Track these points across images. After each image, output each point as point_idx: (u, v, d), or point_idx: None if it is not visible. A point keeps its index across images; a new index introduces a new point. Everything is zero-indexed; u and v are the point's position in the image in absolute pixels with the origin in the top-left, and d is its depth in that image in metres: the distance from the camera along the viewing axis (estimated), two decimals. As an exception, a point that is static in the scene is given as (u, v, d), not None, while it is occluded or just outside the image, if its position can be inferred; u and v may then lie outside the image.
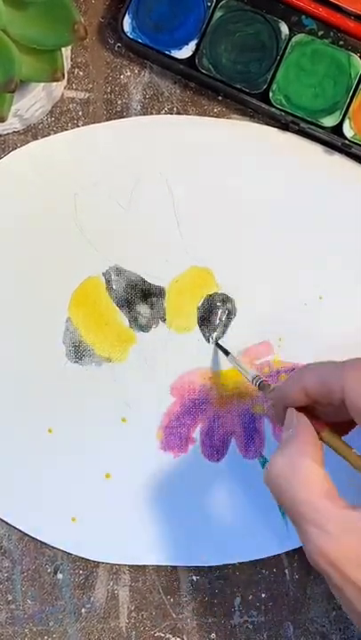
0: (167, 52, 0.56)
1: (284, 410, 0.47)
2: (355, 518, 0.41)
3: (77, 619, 0.57)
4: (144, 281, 0.57)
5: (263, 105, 0.56)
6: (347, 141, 0.56)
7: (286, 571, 0.57)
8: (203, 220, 0.57)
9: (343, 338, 0.57)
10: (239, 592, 0.57)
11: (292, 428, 0.45)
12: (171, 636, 0.57)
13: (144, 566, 0.57)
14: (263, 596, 0.57)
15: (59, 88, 0.57)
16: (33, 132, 0.58)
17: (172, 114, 0.58)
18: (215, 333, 0.57)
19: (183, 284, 0.57)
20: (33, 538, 0.57)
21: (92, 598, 0.57)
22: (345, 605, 0.42)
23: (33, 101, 0.54)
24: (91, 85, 0.58)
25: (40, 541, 0.57)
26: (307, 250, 0.57)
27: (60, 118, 0.58)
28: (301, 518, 0.41)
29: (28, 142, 0.58)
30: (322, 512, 0.41)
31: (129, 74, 0.58)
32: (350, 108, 0.55)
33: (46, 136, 0.58)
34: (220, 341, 0.57)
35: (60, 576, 0.57)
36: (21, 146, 0.58)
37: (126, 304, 0.57)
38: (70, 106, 0.58)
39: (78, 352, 0.57)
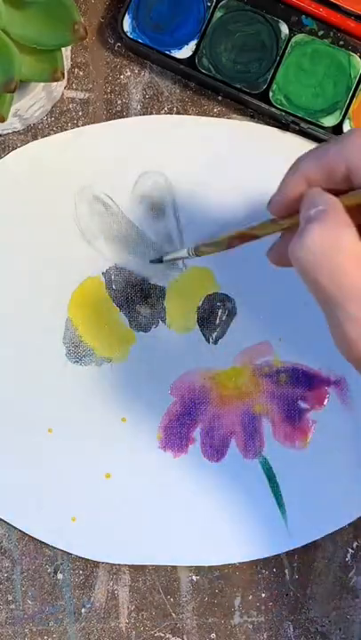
0: (167, 52, 0.56)
1: (293, 205, 0.40)
2: None
3: (77, 619, 0.57)
4: (144, 281, 0.57)
5: (263, 105, 0.56)
6: (347, 141, 0.56)
7: (286, 571, 0.57)
8: (203, 220, 0.57)
9: (343, 338, 0.57)
10: (239, 592, 0.57)
11: (320, 204, 0.37)
12: (171, 635, 0.57)
13: (144, 566, 0.57)
14: (263, 595, 0.57)
15: (59, 88, 0.57)
16: (33, 132, 0.58)
17: (172, 114, 0.58)
18: (215, 333, 0.57)
19: (183, 284, 0.57)
20: (33, 538, 0.57)
21: (91, 598, 0.57)
22: None
23: (33, 101, 0.54)
24: (91, 85, 0.58)
25: (40, 541, 0.57)
26: (307, 250, 0.57)
27: (60, 118, 0.58)
28: (343, 296, 0.35)
29: (28, 142, 0.58)
30: None
31: (129, 74, 0.58)
32: (350, 108, 0.55)
33: (46, 136, 0.58)
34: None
35: (60, 576, 0.57)
36: (21, 146, 0.58)
37: (126, 304, 0.57)
38: (70, 106, 0.58)
39: (78, 352, 0.57)
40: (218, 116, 0.58)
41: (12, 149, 0.58)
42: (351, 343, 0.35)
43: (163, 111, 0.58)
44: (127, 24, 0.56)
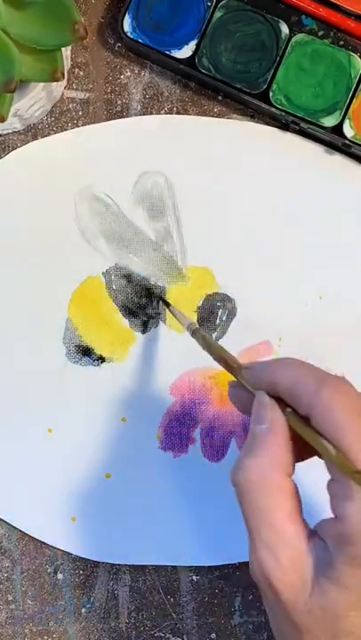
0: (167, 52, 0.56)
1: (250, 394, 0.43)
2: (305, 553, 0.39)
3: (77, 619, 0.57)
4: (144, 281, 0.57)
5: (263, 105, 0.56)
6: (347, 141, 0.56)
7: (286, 571, 0.57)
8: (203, 220, 0.57)
9: (343, 338, 0.57)
10: (239, 592, 0.57)
11: (264, 424, 0.41)
12: (171, 636, 0.57)
13: (144, 566, 0.57)
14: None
15: (59, 88, 0.57)
16: (33, 132, 0.58)
17: (172, 114, 0.58)
18: (215, 333, 0.57)
19: (183, 283, 0.57)
20: (33, 538, 0.57)
21: (92, 598, 0.57)
22: (272, 625, 0.41)
23: (33, 101, 0.54)
24: (91, 85, 0.58)
25: (40, 541, 0.57)
26: (307, 249, 0.57)
27: (60, 118, 0.58)
28: (258, 535, 0.39)
29: (28, 142, 0.58)
30: (280, 538, 0.39)
31: (129, 74, 0.58)
32: (350, 108, 0.55)
33: (46, 136, 0.58)
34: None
35: (60, 576, 0.57)
36: (21, 146, 0.58)
37: (126, 304, 0.57)
38: (70, 106, 0.58)
39: (78, 352, 0.57)
40: (218, 116, 0.58)
41: (12, 149, 0.58)
42: (254, 564, 0.40)
43: (163, 111, 0.58)
44: (127, 24, 0.56)
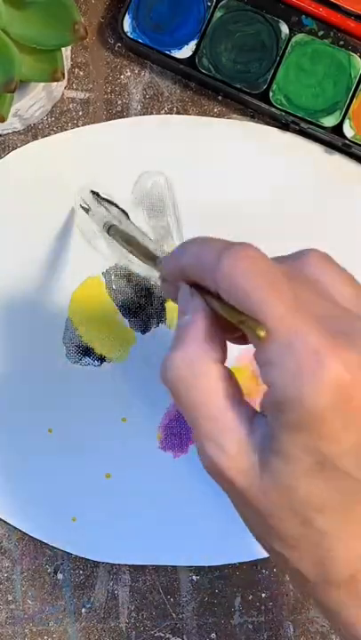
0: (167, 52, 0.56)
1: (175, 286, 0.40)
2: (248, 435, 0.36)
3: (77, 619, 0.57)
4: (144, 281, 0.57)
5: (263, 105, 0.56)
6: (347, 141, 0.56)
7: (286, 571, 0.57)
8: (203, 220, 0.57)
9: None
10: (239, 592, 0.57)
11: (188, 313, 0.38)
12: (171, 635, 0.57)
13: (144, 566, 0.57)
14: (263, 595, 0.57)
15: (59, 88, 0.57)
16: (33, 132, 0.58)
17: (172, 114, 0.58)
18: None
19: (183, 283, 0.57)
20: (33, 538, 0.57)
21: (92, 598, 0.57)
22: (239, 514, 0.39)
23: (33, 101, 0.54)
24: (91, 85, 0.58)
25: (40, 541, 0.57)
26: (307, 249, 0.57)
27: (60, 118, 0.58)
28: (199, 429, 0.37)
29: (28, 142, 0.58)
30: (220, 426, 0.37)
31: (129, 74, 0.58)
32: (350, 108, 0.55)
33: (46, 136, 0.58)
34: None
35: (60, 576, 0.57)
36: (21, 146, 0.58)
37: (126, 304, 0.57)
38: (70, 106, 0.58)
39: (78, 352, 0.57)
40: (218, 116, 0.58)
41: (12, 149, 0.58)
42: (203, 460, 0.38)
43: (163, 111, 0.58)
44: (127, 24, 0.56)
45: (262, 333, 0.34)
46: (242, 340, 0.39)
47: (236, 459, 0.36)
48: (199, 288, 0.38)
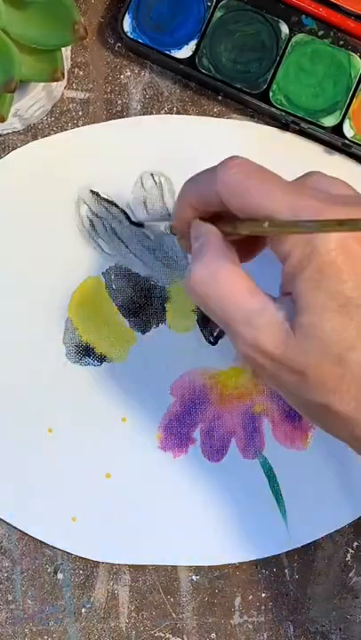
0: (167, 52, 0.56)
1: (188, 228, 0.47)
2: (277, 309, 0.41)
3: (77, 619, 0.57)
4: (144, 281, 0.57)
5: (263, 105, 0.56)
6: (347, 141, 0.56)
7: (286, 571, 0.57)
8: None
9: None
10: (239, 592, 0.57)
11: (201, 237, 0.44)
12: (171, 635, 0.57)
13: (144, 566, 0.57)
14: (263, 595, 0.57)
15: (59, 88, 0.56)
16: (33, 131, 0.58)
17: (172, 114, 0.58)
18: (215, 333, 0.57)
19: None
20: (33, 538, 0.57)
21: (92, 598, 0.57)
22: (285, 395, 0.43)
23: (33, 101, 0.54)
24: (91, 85, 0.58)
25: (40, 541, 0.57)
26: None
27: (60, 118, 0.58)
28: (232, 319, 0.42)
29: (28, 142, 0.58)
30: (249, 310, 0.41)
31: (129, 74, 0.58)
32: (350, 108, 0.55)
33: (46, 136, 0.58)
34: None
35: (60, 576, 0.57)
36: (21, 146, 0.58)
37: (126, 304, 0.57)
38: (70, 106, 0.58)
39: (78, 352, 0.57)
40: (218, 115, 0.58)
41: (12, 149, 0.58)
42: (242, 346, 0.42)
43: (163, 111, 0.58)
44: (127, 24, 0.56)
45: (266, 224, 0.40)
46: (250, 253, 0.47)
47: (271, 330, 0.41)
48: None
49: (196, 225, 0.45)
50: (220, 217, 0.45)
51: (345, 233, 0.39)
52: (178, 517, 0.56)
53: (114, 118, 0.58)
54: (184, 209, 0.46)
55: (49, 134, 0.58)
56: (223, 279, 0.42)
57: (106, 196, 0.57)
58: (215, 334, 0.57)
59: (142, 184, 0.57)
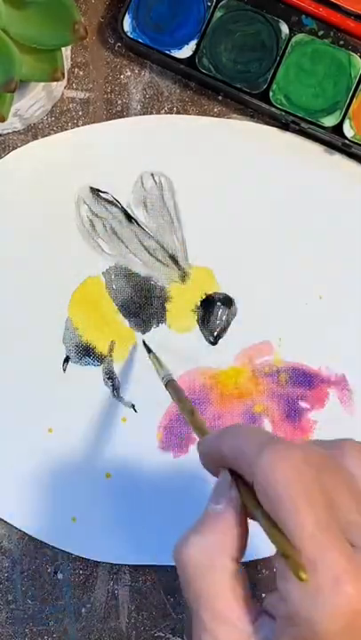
0: (167, 52, 0.56)
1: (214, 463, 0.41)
2: (249, 637, 0.37)
3: (77, 619, 0.57)
4: (144, 281, 0.57)
5: (263, 105, 0.56)
6: (347, 141, 0.56)
7: (286, 571, 0.57)
8: (203, 220, 0.57)
9: (343, 337, 0.57)
10: (239, 592, 0.57)
11: (220, 504, 0.39)
12: (171, 635, 0.57)
13: (144, 566, 0.57)
14: (263, 595, 0.57)
15: (59, 88, 0.56)
16: (33, 131, 0.58)
17: (172, 113, 0.58)
18: (215, 333, 0.57)
19: (183, 283, 0.57)
20: (33, 538, 0.57)
21: (92, 598, 0.57)
22: None
23: (33, 101, 0.54)
24: (91, 85, 0.58)
25: (40, 541, 0.57)
26: (307, 249, 0.57)
27: (60, 118, 0.58)
28: (201, 620, 0.37)
29: (28, 142, 0.58)
30: (221, 623, 0.37)
31: (129, 73, 0.58)
32: (351, 108, 0.55)
33: (46, 136, 0.58)
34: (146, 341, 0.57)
35: (60, 576, 0.57)
36: (21, 146, 0.58)
37: (126, 304, 0.57)
38: (70, 105, 0.58)
39: (78, 352, 0.57)
40: (218, 115, 0.58)
41: (12, 149, 0.58)
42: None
43: (163, 111, 0.58)
44: (127, 24, 0.56)
45: (304, 576, 0.34)
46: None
47: None
48: (236, 474, 0.39)
49: (224, 482, 0.40)
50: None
51: (353, 616, 0.34)
52: (178, 517, 0.56)
53: (114, 118, 0.58)
54: (217, 453, 0.40)
55: (49, 134, 0.58)
56: (214, 570, 0.38)
57: (106, 196, 0.57)
58: (215, 334, 0.57)
59: (142, 184, 0.57)
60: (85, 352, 0.57)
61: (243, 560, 0.57)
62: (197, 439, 0.57)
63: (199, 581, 0.38)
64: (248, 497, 0.39)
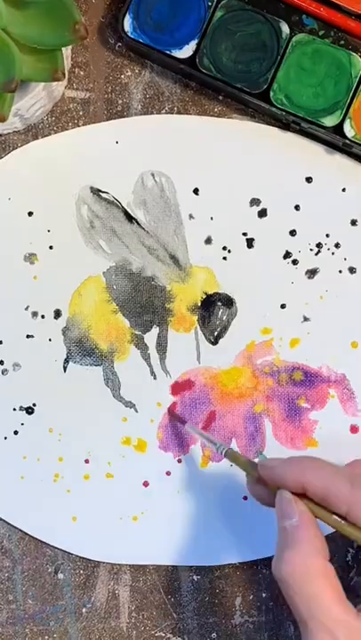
0: (168, 52, 0.56)
1: (274, 488, 0.47)
2: (357, 623, 0.42)
3: (78, 618, 0.57)
4: (145, 281, 0.57)
5: (264, 104, 0.56)
6: (347, 141, 0.56)
7: (287, 570, 0.57)
8: (203, 220, 0.57)
9: (344, 337, 0.57)
10: (240, 592, 0.57)
11: (293, 517, 0.45)
12: (171, 635, 0.57)
13: (144, 566, 0.57)
14: (264, 595, 0.57)
15: (59, 88, 0.56)
16: (33, 131, 0.58)
17: (172, 113, 0.58)
18: (215, 333, 0.57)
19: (184, 283, 0.57)
20: (33, 538, 0.57)
21: (92, 598, 0.57)
22: None
23: (33, 101, 0.54)
24: (91, 85, 0.58)
25: (40, 541, 0.57)
26: (307, 249, 0.57)
27: (60, 118, 0.58)
28: (314, 621, 0.42)
29: (28, 142, 0.58)
30: (334, 619, 0.42)
31: (129, 73, 0.58)
32: (351, 108, 0.55)
33: (47, 136, 0.58)
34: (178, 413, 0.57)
35: (60, 576, 0.57)
36: (22, 145, 0.58)
37: (127, 304, 0.57)
38: (71, 105, 0.58)
39: (79, 352, 0.57)
40: (219, 115, 0.58)
41: (13, 149, 0.58)
42: None
43: (163, 111, 0.58)
44: (128, 24, 0.56)
45: None
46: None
47: None
48: (296, 494, 0.45)
49: (287, 500, 0.45)
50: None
51: None
52: (178, 517, 0.56)
53: (114, 118, 0.58)
54: (293, 485, 0.46)
55: (49, 134, 0.58)
56: (317, 579, 0.43)
57: (106, 196, 0.57)
58: (216, 334, 0.57)
59: (143, 184, 0.57)
60: (86, 352, 0.57)
61: (242, 560, 0.57)
62: (197, 439, 0.57)
63: (306, 588, 0.42)
64: (316, 507, 0.45)
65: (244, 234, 0.57)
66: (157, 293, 0.57)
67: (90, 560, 0.57)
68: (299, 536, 0.44)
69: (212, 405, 0.57)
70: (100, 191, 0.57)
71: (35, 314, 0.57)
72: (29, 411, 0.57)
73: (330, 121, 0.56)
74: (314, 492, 0.45)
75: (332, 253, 0.57)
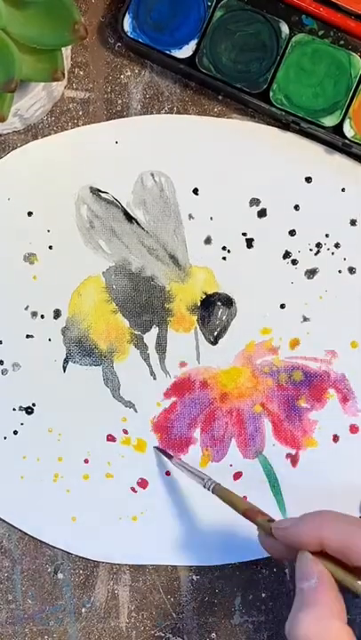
0: (167, 52, 0.56)
1: (290, 546, 0.46)
2: None
3: (78, 618, 0.57)
4: (145, 280, 0.57)
5: (263, 104, 0.56)
6: (347, 141, 0.56)
7: (286, 570, 0.57)
8: (203, 220, 0.57)
9: (343, 337, 0.57)
10: (240, 592, 0.57)
11: (312, 579, 0.44)
12: (171, 635, 0.57)
13: (144, 566, 0.57)
14: (263, 595, 0.57)
15: (59, 88, 0.56)
16: (33, 131, 0.58)
17: (172, 113, 0.58)
18: (215, 333, 0.57)
19: (183, 283, 0.57)
20: (33, 537, 0.57)
21: (92, 598, 0.57)
22: None
23: (33, 101, 0.54)
24: (91, 85, 0.58)
25: (40, 541, 0.57)
26: (307, 249, 0.57)
27: (60, 118, 0.58)
28: None
29: (28, 142, 0.58)
30: None
31: (129, 73, 0.58)
32: (351, 108, 0.55)
33: (46, 136, 0.58)
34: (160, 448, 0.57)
35: (60, 576, 0.57)
36: (21, 145, 0.58)
37: (126, 304, 0.57)
38: (70, 105, 0.58)
39: (79, 352, 0.57)
40: (218, 115, 0.58)
41: (12, 149, 0.58)
42: None
43: (163, 111, 0.58)
44: (127, 23, 0.56)
45: None
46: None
47: None
48: (316, 553, 0.44)
49: (308, 561, 0.45)
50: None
51: None
52: (178, 517, 0.57)
53: (114, 118, 0.58)
54: (310, 542, 0.45)
55: (49, 134, 0.58)
56: (331, 637, 0.42)
57: (106, 196, 0.57)
58: (215, 334, 0.57)
59: (142, 184, 0.57)
60: (85, 352, 0.57)
61: (242, 560, 0.57)
62: (198, 439, 0.57)
63: None
64: (336, 569, 0.44)
65: (244, 234, 0.57)
66: (157, 293, 0.57)
67: (89, 560, 0.57)
68: (316, 598, 0.43)
69: (212, 405, 0.57)
70: (100, 191, 0.57)
71: (34, 314, 0.57)
72: (29, 411, 0.57)
73: (329, 121, 0.56)
74: (332, 547, 0.44)
75: (332, 253, 0.57)
